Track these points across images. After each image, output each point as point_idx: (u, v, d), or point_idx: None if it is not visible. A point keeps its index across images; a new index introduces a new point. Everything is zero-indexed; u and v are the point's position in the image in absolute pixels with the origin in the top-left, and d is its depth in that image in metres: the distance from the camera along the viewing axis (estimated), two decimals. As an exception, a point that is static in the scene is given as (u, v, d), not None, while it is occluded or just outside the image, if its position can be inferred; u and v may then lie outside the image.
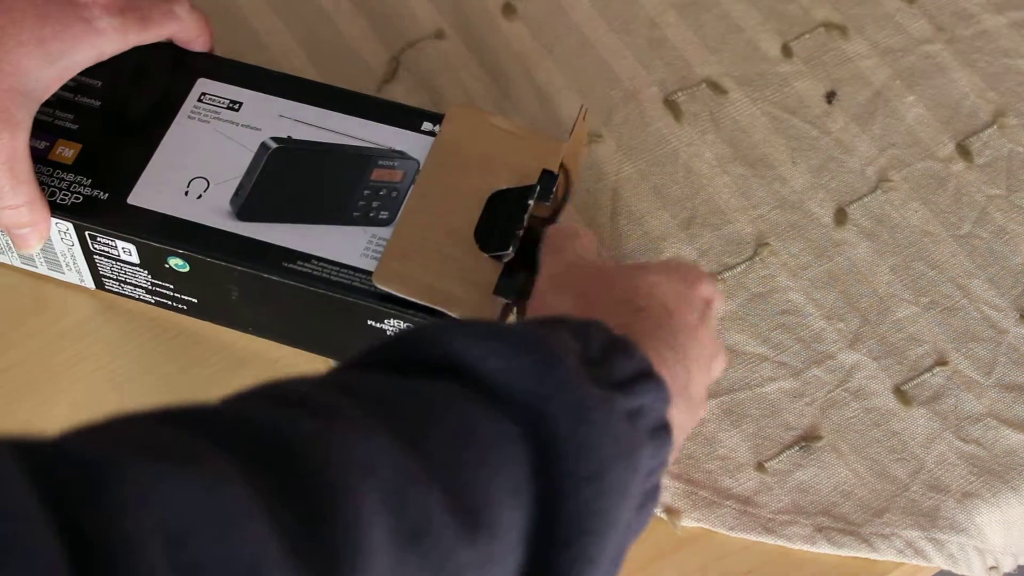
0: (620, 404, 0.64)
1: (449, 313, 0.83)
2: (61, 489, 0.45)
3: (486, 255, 0.85)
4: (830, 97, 1.05)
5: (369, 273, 0.85)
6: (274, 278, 0.86)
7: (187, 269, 0.88)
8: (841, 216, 0.99)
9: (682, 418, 0.74)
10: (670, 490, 0.89)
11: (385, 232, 0.87)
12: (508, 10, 1.07)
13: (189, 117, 0.92)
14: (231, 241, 0.87)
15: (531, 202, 0.86)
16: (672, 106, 1.04)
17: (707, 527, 0.89)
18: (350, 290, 0.85)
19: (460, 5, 1.07)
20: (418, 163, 0.89)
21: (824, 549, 0.88)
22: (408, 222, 0.86)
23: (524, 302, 0.83)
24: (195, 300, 0.91)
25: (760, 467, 0.91)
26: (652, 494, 0.67)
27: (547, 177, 0.88)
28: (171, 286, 0.90)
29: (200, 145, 0.90)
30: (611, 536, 0.61)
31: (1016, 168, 1.02)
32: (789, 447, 0.91)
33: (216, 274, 0.87)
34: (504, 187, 0.88)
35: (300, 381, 0.58)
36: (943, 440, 0.92)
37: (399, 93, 1.03)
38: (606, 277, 0.80)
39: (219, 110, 0.92)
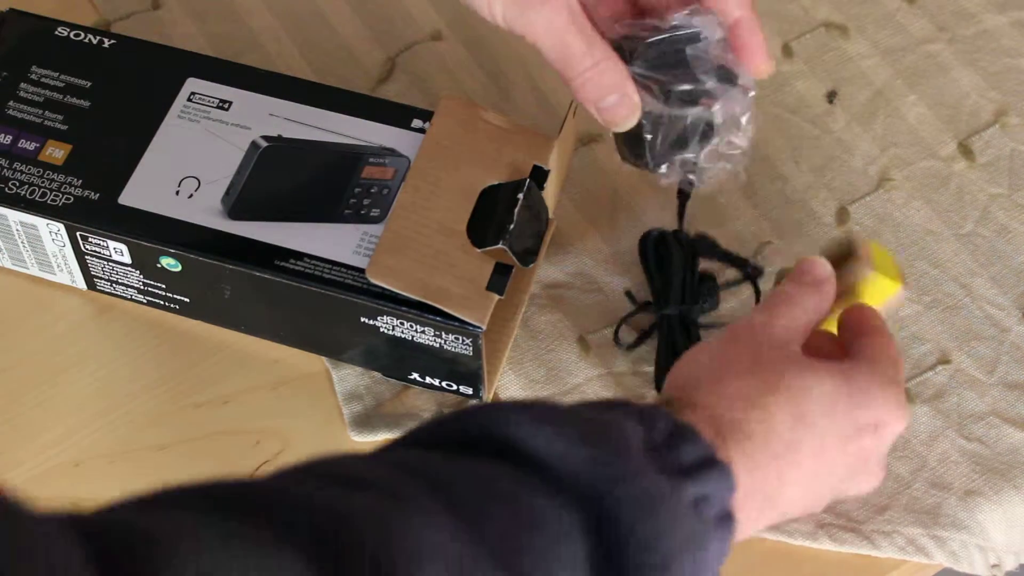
0: (687, 492, 0.62)
1: (443, 308, 0.83)
2: (111, 557, 0.44)
3: (478, 250, 0.85)
4: (831, 97, 1.04)
5: (361, 271, 0.85)
6: (266, 276, 0.85)
7: (179, 269, 0.87)
8: (843, 215, 0.99)
9: (752, 517, 0.72)
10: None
11: (376, 229, 0.87)
12: (507, 10, 1.07)
13: (179, 117, 0.91)
14: (223, 240, 0.86)
15: (521, 196, 0.86)
16: (672, 106, 1.03)
17: (707, 525, 0.88)
18: (343, 287, 0.85)
19: (459, 5, 1.07)
20: (409, 160, 0.89)
21: (826, 546, 0.87)
22: (400, 217, 0.86)
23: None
24: (187, 299, 0.90)
25: (761, 465, 0.90)
26: None
27: (538, 172, 0.88)
28: (163, 286, 0.90)
29: (190, 144, 0.90)
30: None
31: (1018, 167, 1.01)
32: (790, 445, 0.91)
33: (208, 273, 0.87)
34: (495, 182, 0.87)
35: (353, 458, 0.57)
36: (945, 438, 0.91)
37: (394, 94, 1.02)
38: (772, 364, 0.75)
39: (209, 109, 0.91)
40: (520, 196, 0.86)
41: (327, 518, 0.50)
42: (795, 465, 0.73)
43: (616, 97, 0.80)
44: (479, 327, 0.83)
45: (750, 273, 0.94)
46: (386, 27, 1.06)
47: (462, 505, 0.55)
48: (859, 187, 1.00)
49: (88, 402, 0.91)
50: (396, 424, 0.91)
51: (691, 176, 0.85)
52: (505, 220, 0.85)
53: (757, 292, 0.93)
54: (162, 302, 0.91)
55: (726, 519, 0.66)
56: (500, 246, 0.84)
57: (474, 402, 0.88)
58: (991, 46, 1.06)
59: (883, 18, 1.08)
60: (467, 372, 0.87)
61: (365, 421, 0.91)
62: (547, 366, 0.93)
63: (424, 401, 0.92)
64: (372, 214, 0.88)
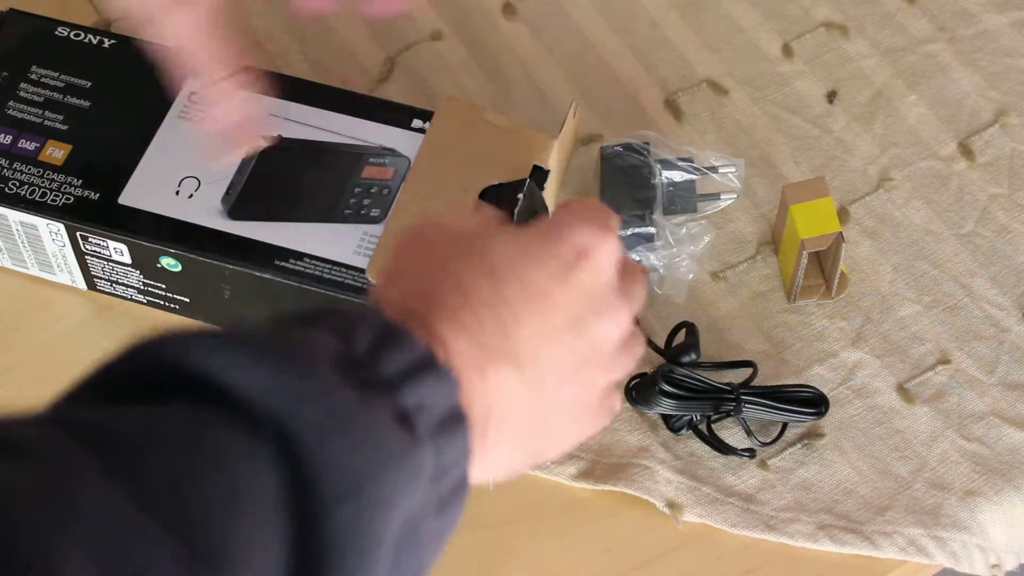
0: (386, 406, 0.56)
1: None
2: None
3: None
4: (831, 97, 1.04)
5: (362, 270, 0.85)
6: (266, 276, 0.85)
7: (179, 269, 0.87)
8: (843, 215, 0.99)
9: (518, 393, 0.65)
10: (673, 485, 0.89)
11: (376, 229, 0.87)
12: (508, 10, 1.07)
13: (179, 117, 0.91)
14: (223, 240, 0.86)
15: (521, 196, 0.86)
16: (673, 106, 1.03)
17: (709, 524, 0.88)
18: (343, 287, 0.85)
19: (459, 5, 1.07)
20: (409, 160, 0.89)
21: (826, 547, 0.87)
22: (400, 217, 0.86)
23: None
24: (187, 300, 0.90)
25: (763, 464, 0.90)
26: (455, 492, 0.59)
27: (538, 172, 0.88)
28: (163, 286, 0.90)
29: (190, 144, 0.90)
30: (381, 553, 0.54)
31: (1018, 167, 1.01)
32: (792, 445, 0.91)
33: (208, 273, 0.87)
34: (496, 182, 0.87)
35: (9, 420, 0.51)
36: (945, 438, 0.91)
37: (394, 94, 1.02)
38: (460, 240, 0.69)
39: None
40: (520, 196, 0.86)
41: None
42: (514, 319, 0.65)
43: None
44: None
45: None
46: (386, 27, 1.06)
47: (121, 457, 0.49)
48: (859, 187, 1.00)
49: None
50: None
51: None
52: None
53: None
54: (162, 302, 0.91)
55: (451, 421, 0.59)
56: None
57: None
58: (991, 46, 1.06)
59: (883, 18, 1.08)
60: None
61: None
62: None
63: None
64: (372, 214, 0.88)
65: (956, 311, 0.96)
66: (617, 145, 0.97)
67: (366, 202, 0.88)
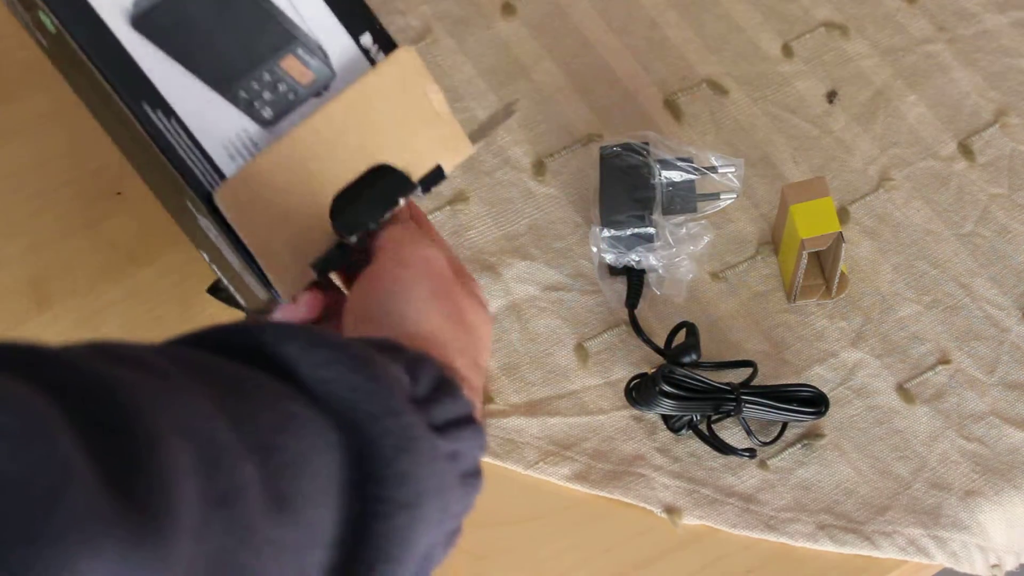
0: (442, 445, 0.64)
1: (260, 265, 0.76)
2: None
3: (330, 222, 0.77)
4: (831, 97, 1.04)
5: (220, 172, 0.76)
6: (125, 110, 0.76)
7: (54, 32, 0.77)
8: (843, 215, 0.99)
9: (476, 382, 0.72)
10: (670, 490, 0.89)
11: (258, 135, 0.78)
12: (507, 10, 1.07)
13: None
14: (109, 41, 0.76)
15: (403, 200, 0.77)
16: (672, 106, 1.03)
17: (709, 524, 0.88)
18: (189, 176, 0.76)
19: (459, 5, 1.07)
20: (333, 77, 0.80)
21: (826, 547, 0.88)
22: (282, 150, 0.77)
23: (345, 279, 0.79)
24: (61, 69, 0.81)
25: (763, 465, 0.90)
26: (453, 536, 0.66)
27: (435, 174, 0.80)
28: (44, 41, 0.79)
29: None
30: (411, 565, 0.61)
31: (1018, 167, 1.01)
32: (792, 445, 0.91)
33: (74, 59, 0.77)
34: (394, 164, 0.78)
35: (132, 345, 0.57)
36: (945, 438, 0.91)
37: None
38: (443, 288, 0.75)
39: None
40: (401, 200, 0.78)
41: (91, 380, 0.51)
42: (472, 346, 0.73)
43: None
44: (280, 299, 0.77)
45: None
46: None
47: (227, 397, 0.56)
48: (859, 187, 1.00)
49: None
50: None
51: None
52: (370, 214, 0.77)
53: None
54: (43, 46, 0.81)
55: (473, 476, 0.67)
56: (351, 238, 0.76)
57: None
58: (991, 46, 1.06)
59: (883, 18, 1.08)
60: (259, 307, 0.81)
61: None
62: (544, 369, 0.93)
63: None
64: (264, 114, 0.79)
65: (956, 311, 0.96)
66: (616, 145, 0.97)
67: (266, 96, 0.79)
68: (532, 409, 0.92)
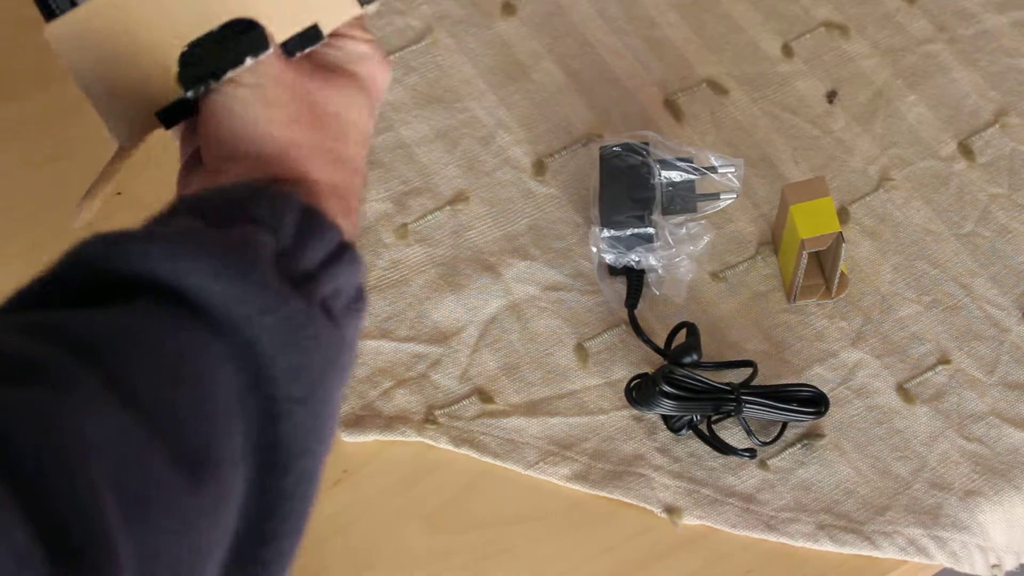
0: (315, 299, 0.60)
1: (96, 110, 0.70)
2: None
3: (176, 72, 0.69)
4: (831, 97, 1.04)
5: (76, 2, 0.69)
6: None
7: None
8: (843, 215, 0.99)
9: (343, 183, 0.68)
10: (670, 490, 0.89)
11: None
12: (507, 10, 1.07)
13: None
14: None
15: (251, 60, 0.68)
16: (672, 106, 1.03)
17: (709, 524, 0.88)
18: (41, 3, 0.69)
19: (459, 5, 1.07)
20: None
21: (826, 547, 0.88)
22: None
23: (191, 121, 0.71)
24: None
25: (763, 465, 0.90)
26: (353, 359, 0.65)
27: (308, 34, 0.70)
28: None
29: None
30: (327, 444, 0.61)
31: (1018, 167, 1.01)
32: (792, 445, 0.91)
33: None
34: (263, 20, 0.69)
35: (27, 344, 0.54)
36: (946, 438, 0.91)
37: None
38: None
39: None
40: (248, 59, 0.68)
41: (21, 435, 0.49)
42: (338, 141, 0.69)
43: None
44: (114, 140, 0.71)
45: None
46: (383, 26, 1.06)
47: (116, 367, 0.54)
48: (859, 187, 1.00)
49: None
50: (388, 427, 0.91)
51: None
52: (210, 70, 0.68)
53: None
54: None
55: (359, 300, 0.64)
56: (187, 93, 0.69)
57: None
58: (991, 46, 1.06)
59: (883, 18, 1.08)
60: None
61: (356, 422, 0.91)
62: (544, 369, 0.93)
63: (413, 403, 0.92)
64: None
65: (956, 311, 0.96)
66: (616, 145, 0.97)
67: None
68: (532, 409, 0.92)
